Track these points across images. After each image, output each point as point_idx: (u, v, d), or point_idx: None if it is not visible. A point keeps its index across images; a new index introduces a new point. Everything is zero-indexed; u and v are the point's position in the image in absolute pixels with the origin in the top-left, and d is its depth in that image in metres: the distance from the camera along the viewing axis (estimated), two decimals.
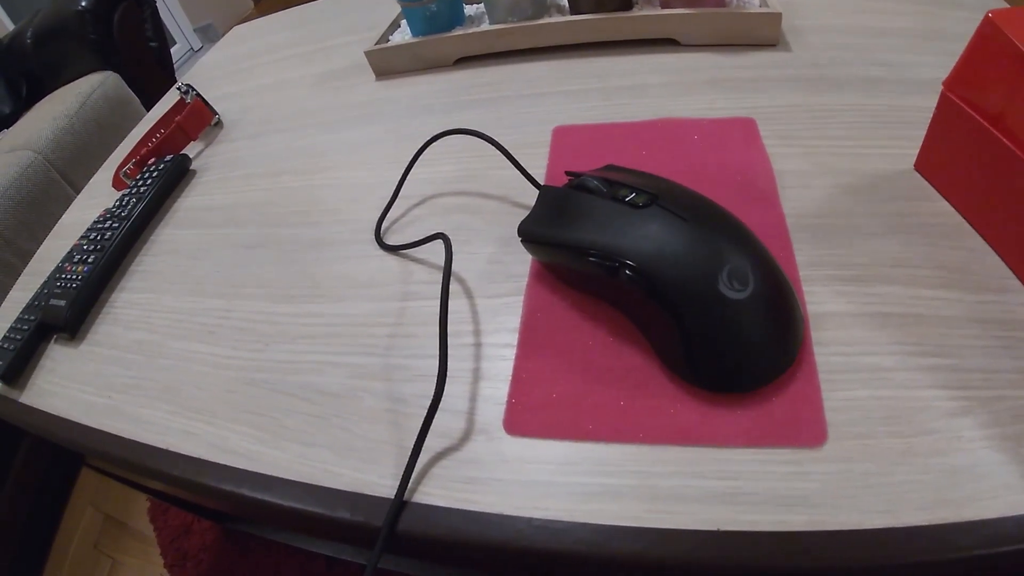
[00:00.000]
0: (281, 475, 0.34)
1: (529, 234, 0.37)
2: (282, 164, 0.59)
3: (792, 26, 0.58)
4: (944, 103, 0.38)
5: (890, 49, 0.53)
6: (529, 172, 0.43)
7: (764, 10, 0.54)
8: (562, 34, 0.60)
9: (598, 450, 0.31)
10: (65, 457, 1.29)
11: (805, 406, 0.30)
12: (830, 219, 0.39)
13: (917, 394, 0.31)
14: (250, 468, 0.35)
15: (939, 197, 0.40)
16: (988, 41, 0.34)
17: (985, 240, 0.37)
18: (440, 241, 0.41)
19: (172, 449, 0.38)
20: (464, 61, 0.64)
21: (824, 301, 0.35)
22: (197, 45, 3.44)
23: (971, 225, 0.38)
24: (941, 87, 0.37)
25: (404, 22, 0.69)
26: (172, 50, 2.73)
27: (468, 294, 0.40)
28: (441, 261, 0.42)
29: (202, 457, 0.37)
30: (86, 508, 1.26)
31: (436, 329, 0.38)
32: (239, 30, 1.03)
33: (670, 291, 0.30)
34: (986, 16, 0.33)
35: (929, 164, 0.41)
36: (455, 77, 0.62)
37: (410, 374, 0.37)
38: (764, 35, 0.56)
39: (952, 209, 0.39)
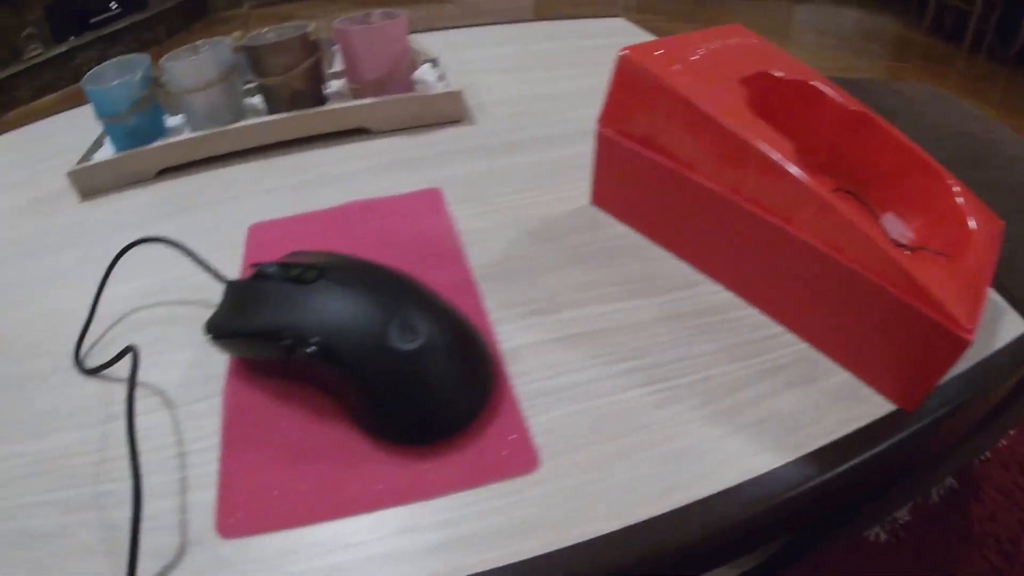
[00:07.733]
0: None
1: (214, 330, 0.35)
2: None
3: (478, 102, 0.65)
4: (601, 139, 0.42)
5: (559, 110, 0.62)
6: (218, 271, 0.41)
7: (445, 90, 0.60)
8: (258, 135, 0.59)
9: (315, 532, 0.28)
10: None
11: (511, 437, 0.30)
12: (514, 264, 0.42)
13: (620, 397, 0.33)
14: None
15: (617, 223, 0.44)
16: (625, 75, 0.39)
17: (666, 249, 0.42)
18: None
19: None
20: (167, 172, 0.60)
21: (514, 336, 0.36)
22: None
23: (650, 239, 0.43)
24: (597, 126, 0.42)
25: (108, 139, 0.64)
26: None
27: (169, 404, 0.35)
28: None
29: None
30: None
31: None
32: None
33: (345, 356, 0.30)
34: (619, 55, 0.38)
35: (602, 196, 0.45)
36: (157, 189, 0.58)
37: (119, 498, 0.31)
38: (448, 113, 0.60)
39: (631, 230, 0.44)
